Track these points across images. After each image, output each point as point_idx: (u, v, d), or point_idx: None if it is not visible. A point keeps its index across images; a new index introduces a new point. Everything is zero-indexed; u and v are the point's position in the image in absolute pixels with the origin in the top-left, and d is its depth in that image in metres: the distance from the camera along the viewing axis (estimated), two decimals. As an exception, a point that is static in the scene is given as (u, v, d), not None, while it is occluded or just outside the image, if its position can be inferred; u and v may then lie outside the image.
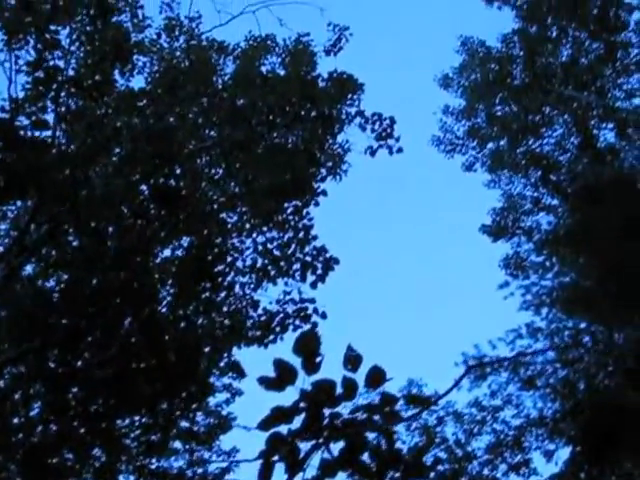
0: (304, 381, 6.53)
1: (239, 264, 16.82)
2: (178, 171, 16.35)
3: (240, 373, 15.91)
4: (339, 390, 6.50)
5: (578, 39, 26.05)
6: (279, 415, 6.49)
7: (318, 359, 6.50)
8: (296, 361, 6.48)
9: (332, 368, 6.50)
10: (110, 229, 15.23)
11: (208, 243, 16.15)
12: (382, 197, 40.36)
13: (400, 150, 16.66)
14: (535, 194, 25.65)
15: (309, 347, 6.49)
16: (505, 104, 26.16)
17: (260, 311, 16.43)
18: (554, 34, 26.27)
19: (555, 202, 25.51)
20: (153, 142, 15.79)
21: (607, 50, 25.86)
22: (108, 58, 17.07)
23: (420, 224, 40.94)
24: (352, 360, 6.45)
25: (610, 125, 25.68)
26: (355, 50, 18.81)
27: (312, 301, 15.95)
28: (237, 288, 16.73)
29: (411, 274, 40.70)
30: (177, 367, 15.30)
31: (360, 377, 6.52)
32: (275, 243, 16.69)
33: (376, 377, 6.53)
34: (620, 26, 26.03)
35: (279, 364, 6.48)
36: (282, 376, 6.49)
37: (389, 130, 16.54)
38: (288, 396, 6.49)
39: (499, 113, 26.36)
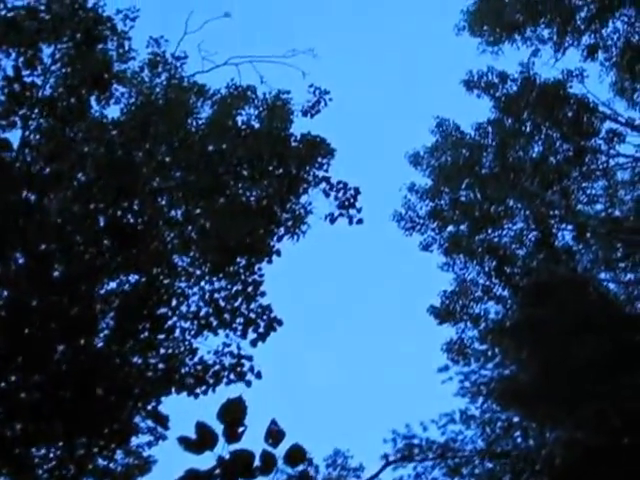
0: (224, 447, 6.44)
1: (183, 309, 16.67)
2: (137, 207, 16.23)
3: (162, 423, 15.60)
4: (257, 463, 6.40)
5: (550, 138, 26.58)
6: (193, 478, 6.37)
7: (241, 429, 6.40)
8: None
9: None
10: (58, 254, 15.02)
11: (155, 283, 15.99)
12: (336, 264, 40.45)
13: (360, 221, 16.76)
14: (487, 283, 25.86)
15: (233, 415, 6.38)
16: (470, 190, 26.50)
17: (196, 359, 16.23)
18: (528, 129, 26.82)
19: (505, 293, 25.75)
20: (117, 174, 15.70)
21: (576, 153, 26.44)
22: (87, 83, 17.02)
23: (368, 296, 41.04)
24: (274, 435, 6.35)
25: (569, 227, 26.13)
26: (333, 114, 19.02)
27: (249, 359, 15.83)
28: (177, 332, 16.53)
29: (352, 342, 40.62)
30: (103, 403, 15.04)
31: (281, 452, 6.44)
32: (222, 294, 16.58)
33: (296, 455, 6.43)
34: (591, 132, 26.69)
35: (200, 427, 6.36)
36: (202, 439, 6.37)
37: (352, 200, 16.65)
38: (207, 459, 6.40)
39: (463, 198, 26.69)
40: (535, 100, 26.12)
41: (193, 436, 6.45)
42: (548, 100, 26.02)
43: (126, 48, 18.29)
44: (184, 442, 6.33)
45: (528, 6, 25.94)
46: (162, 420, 14.93)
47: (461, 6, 27.09)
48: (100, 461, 17.35)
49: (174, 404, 16.16)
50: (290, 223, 17.49)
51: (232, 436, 6.36)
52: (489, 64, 27.06)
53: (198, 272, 16.71)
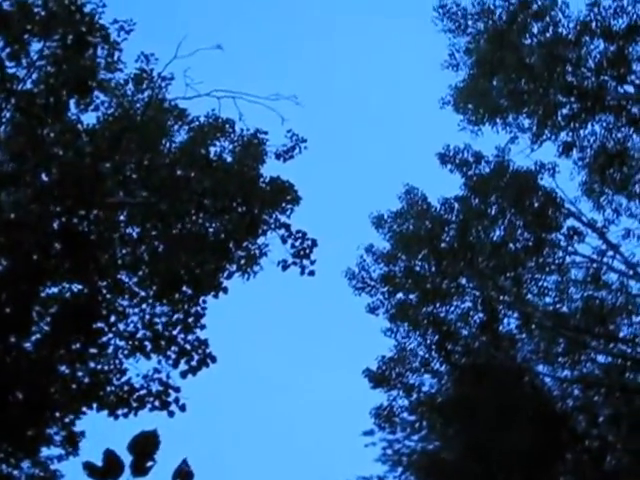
0: None
1: (120, 326, 16.49)
2: (94, 217, 16.11)
3: (72, 442, 15.31)
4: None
5: (513, 225, 26.93)
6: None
7: (150, 463, 6.32)
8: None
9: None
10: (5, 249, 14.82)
11: (97, 296, 15.83)
12: (281, 309, 40.37)
13: (312, 273, 16.78)
14: (426, 355, 25.96)
15: (145, 448, 6.30)
16: (426, 262, 26.69)
17: (124, 380, 16.02)
18: (493, 212, 27.16)
19: (443, 369, 25.85)
20: (80, 181, 15.58)
21: (535, 244, 26.78)
22: (69, 85, 16.94)
23: (307, 348, 40.99)
24: (183, 475, 6.29)
25: (516, 314, 26.38)
26: (307, 161, 19.12)
27: (177, 390, 15.66)
28: (110, 349, 16.33)
29: (280, 394, 40.43)
30: (21, 407, 14.75)
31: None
32: (162, 319, 16.44)
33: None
34: (553, 226, 27.10)
35: (108, 455, 6.28)
36: (107, 468, 6.29)
37: (308, 251, 16.68)
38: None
39: (418, 268, 26.87)
40: (505, 185, 26.54)
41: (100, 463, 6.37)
42: (517, 188, 26.42)
43: (115, 58, 18.23)
44: (88, 468, 6.24)
45: (514, 94, 26.41)
46: (73, 439, 14.67)
47: (450, 80, 27.62)
48: (4, 467, 16.96)
49: (101, 421, 15.92)
50: (243, 262, 17.44)
51: (139, 469, 6.27)
52: (467, 142, 27.51)
53: (143, 293, 16.57)
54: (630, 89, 26.18)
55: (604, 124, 26.72)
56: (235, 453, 35.36)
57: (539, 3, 26.42)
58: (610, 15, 25.83)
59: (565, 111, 26.78)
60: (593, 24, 25.94)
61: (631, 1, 25.43)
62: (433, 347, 25.59)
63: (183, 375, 15.73)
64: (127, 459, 6.32)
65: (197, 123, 18.64)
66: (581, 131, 26.91)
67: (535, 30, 26.66)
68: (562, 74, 26.29)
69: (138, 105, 18.61)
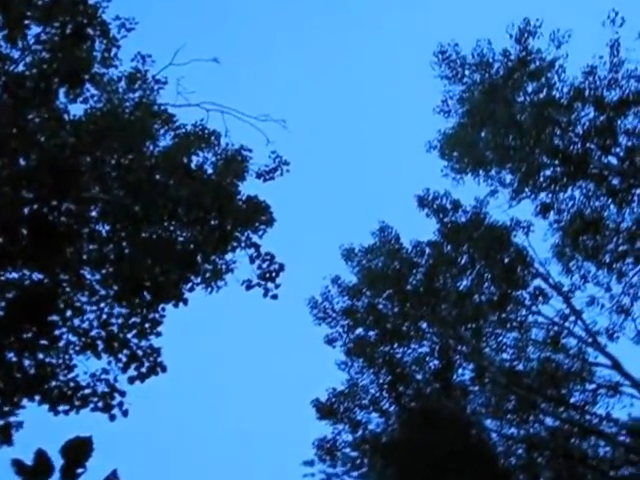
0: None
1: (75, 322, 16.30)
2: (66, 208, 15.97)
3: (5, 437, 15.04)
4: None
5: (481, 277, 27.09)
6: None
7: (80, 470, 6.24)
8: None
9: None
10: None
11: (57, 288, 15.67)
12: (240, 327, 40.24)
13: (275, 297, 16.69)
14: (377, 394, 25.97)
15: (77, 454, 6.22)
16: (390, 301, 26.76)
17: (70, 376, 15.82)
18: (463, 261, 27.30)
19: (391, 409, 25.84)
20: (58, 171, 15.46)
21: (500, 299, 26.94)
22: (61, 74, 16.85)
23: (261, 369, 40.87)
24: (109, 485, 6.21)
25: (471, 366, 26.44)
26: (287, 185, 19.09)
27: (122, 394, 15.49)
28: (61, 343, 16.13)
29: (228, 410, 40.21)
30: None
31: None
32: (119, 321, 16.29)
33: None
34: (520, 284, 27.27)
35: (39, 455, 6.19)
36: (37, 468, 6.19)
37: (274, 274, 16.61)
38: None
39: (381, 306, 26.93)
40: (478, 237, 26.71)
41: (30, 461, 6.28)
42: (490, 241, 26.60)
43: (112, 54, 18.17)
44: (17, 466, 6.15)
45: (500, 148, 26.66)
46: (7, 430, 14.45)
47: (440, 125, 27.85)
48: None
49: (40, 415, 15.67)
50: (208, 275, 17.34)
51: (69, 475, 6.19)
52: (447, 188, 27.72)
53: (103, 292, 16.40)
54: (614, 160, 26.53)
55: (584, 191, 27.03)
56: (173, 466, 35.01)
57: (537, 64, 26.79)
58: (604, 86, 26.22)
59: (548, 172, 27.07)
60: (587, 92, 26.31)
61: (625, 75, 25.85)
62: (385, 387, 25.60)
63: (131, 381, 15.55)
64: (58, 461, 6.24)
65: (183, 130, 18.55)
66: (561, 194, 27.21)
67: (529, 89, 27.00)
68: (550, 136, 26.59)
69: (127, 104, 18.51)
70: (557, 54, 26.54)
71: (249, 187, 17.95)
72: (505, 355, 26.94)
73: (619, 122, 26.30)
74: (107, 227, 16.82)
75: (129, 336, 16.13)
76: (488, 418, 26.91)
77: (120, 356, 15.88)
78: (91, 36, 17.16)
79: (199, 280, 17.12)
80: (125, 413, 15.28)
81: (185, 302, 16.28)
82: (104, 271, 16.69)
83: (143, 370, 15.65)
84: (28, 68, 16.93)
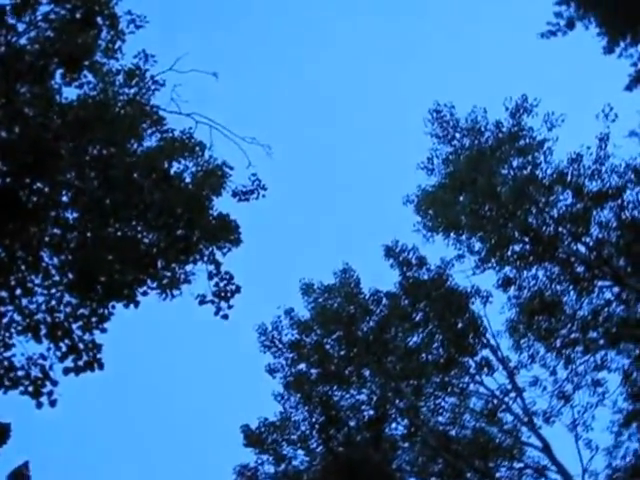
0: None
1: (24, 301, 16.14)
2: (37, 188, 15.89)
3: None
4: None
5: (432, 336, 27.28)
6: None
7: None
8: None
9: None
10: None
11: (11, 265, 15.54)
12: (186, 339, 40.08)
13: (225, 317, 16.68)
14: (307, 432, 25.93)
15: None
16: (337, 343, 26.88)
17: (6, 354, 15.64)
18: (417, 318, 27.51)
19: (318, 450, 25.80)
20: (37, 150, 15.42)
21: (446, 362, 27.12)
22: (62, 55, 16.82)
23: (199, 384, 40.65)
24: (18, 477, 6.19)
25: (405, 422, 26.51)
26: (262, 209, 19.16)
27: (54, 383, 15.30)
28: (4, 320, 15.95)
29: (157, 418, 39.90)
30: None
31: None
32: (67, 309, 16.13)
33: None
34: (469, 351, 27.48)
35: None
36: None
37: (229, 295, 16.61)
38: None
39: (328, 346, 27.04)
40: (436, 297, 26.93)
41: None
42: (447, 304, 26.83)
43: (116, 46, 18.18)
44: None
45: (475, 215, 26.99)
46: None
47: (421, 180, 28.15)
48: None
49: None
50: (165, 282, 17.28)
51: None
52: (416, 243, 27.98)
53: (57, 278, 16.26)
54: (582, 249, 26.94)
55: (548, 273, 27.41)
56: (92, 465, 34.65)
57: (526, 141, 27.25)
58: (587, 175, 26.72)
59: (517, 248, 27.43)
60: (569, 177, 26.80)
61: (608, 169, 26.38)
62: (316, 426, 25.55)
63: (65, 372, 15.37)
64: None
65: (170, 135, 18.57)
66: (525, 271, 27.54)
67: (515, 163, 27.46)
68: (525, 213, 26.98)
69: (121, 98, 18.51)
70: (548, 135, 27.08)
71: (223, 204, 17.99)
72: (441, 418, 27.04)
73: (594, 213, 26.75)
74: (75, 215, 16.74)
75: (74, 327, 15.98)
76: (412, 477, 26.95)
77: (61, 344, 15.71)
78: (99, 25, 17.18)
79: (155, 285, 17.04)
80: (53, 403, 15.07)
81: (136, 304, 16.19)
82: (63, 257, 16.57)
83: (80, 363, 15.47)
84: (30, 43, 16.89)
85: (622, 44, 26.08)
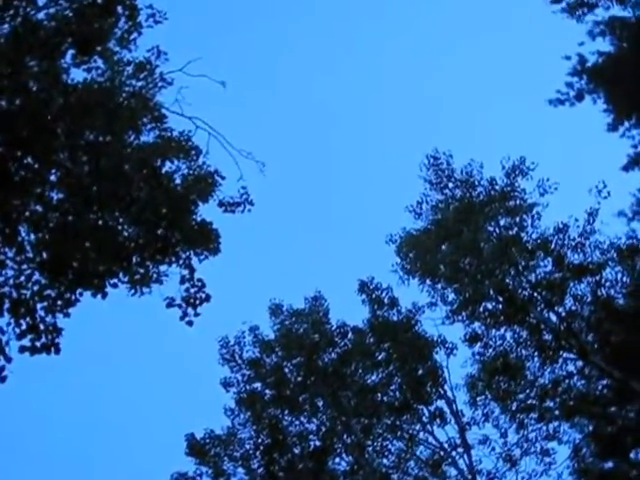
0: None
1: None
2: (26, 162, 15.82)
3: None
4: None
5: (391, 378, 27.30)
6: None
7: None
8: None
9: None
10: None
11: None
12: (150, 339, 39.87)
13: (190, 324, 16.57)
14: (251, 452, 25.91)
15: None
16: (297, 370, 26.84)
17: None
18: (380, 357, 27.50)
19: (259, 472, 25.73)
20: (34, 125, 15.39)
21: (402, 405, 27.14)
22: (77, 36, 16.80)
23: (152, 385, 40.40)
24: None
25: (349, 458, 26.41)
26: (246, 223, 19.13)
27: (9, 359, 15.03)
28: None
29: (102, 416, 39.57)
30: None
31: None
32: (34, 288, 15.94)
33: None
34: (425, 399, 27.49)
35: None
36: None
37: (198, 302, 16.51)
38: None
39: (287, 370, 27.00)
40: (402, 340, 26.95)
41: None
42: (412, 348, 26.86)
43: (131, 37, 18.18)
44: None
45: (454, 267, 27.09)
46: None
47: (406, 222, 28.25)
48: None
49: None
50: (137, 278, 17.17)
51: None
52: (391, 283, 28.04)
53: (30, 255, 16.12)
54: (553, 318, 27.06)
55: (516, 335, 27.48)
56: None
57: (517, 202, 27.47)
58: (570, 246, 26.92)
59: (489, 306, 27.52)
60: (552, 245, 27.00)
61: (592, 245, 26.61)
62: (261, 448, 25.42)
63: (21, 350, 15.20)
64: None
65: (168, 134, 18.54)
66: (493, 330, 27.61)
67: (502, 222, 27.62)
68: (504, 273, 27.10)
69: (127, 89, 18.48)
70: (538, 200, 27.30)
71: (208, 211, 17.94)
72: (385, 460, 27.02)
73: (571, 284, 26.92)
74: (60, 195, 16.64)
75: (38, 306, 15.83)
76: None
77: (21, 322, 15.55)
78: (118, 14, 17.20)
79: (126, 279, 16.93)
80: (3, 379, 14.92)
81: (104, 295, 16.06)
82: (40, 235, 16.45)
83: (37, 344, 15.31)
84: (47, 19, 16.88)
85: (626, 124, 26.37)
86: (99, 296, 16.04)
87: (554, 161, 35.47)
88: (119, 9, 17.23)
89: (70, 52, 17.02)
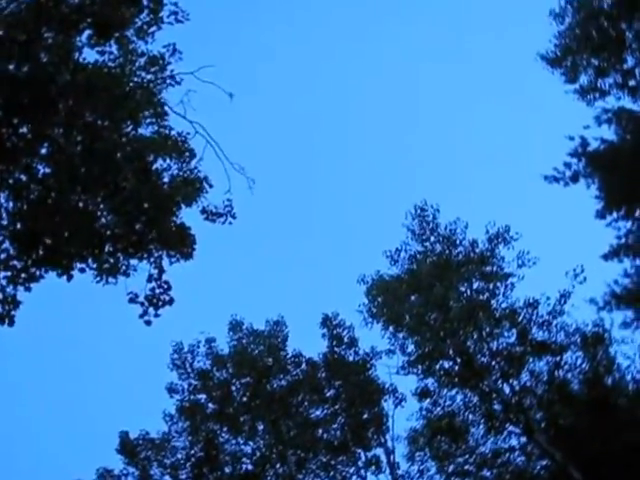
0: None
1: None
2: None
3: None
4: None
5: (335, 416, 27.21)
6: None
7: None
8: None
9: None
10: None
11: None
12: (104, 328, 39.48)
13: (148, 323, 16.43)
14: (182, 461, 25.69)
15: None
16: (245, 389, 26.71)
17: None
18: (328, 394, 27.41)
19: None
20: (38, 96, 15.35)
21: (340, 445, 27.04)
22: (97, 17, 16.80)
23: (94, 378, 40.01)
24: None
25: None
26: (224, 235, 19.06)
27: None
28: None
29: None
30: None
31: None
32: (2, 255, 15.82)
33: None
34: (365, 444, 27.39)
35: None
36: None
37: (160, 304, 16.38)
38: None
39: (234, 388, 26.90)
40: (353, 382, 26.90)
41: None
42: (361, 391, 26.85)
43: (150, 30, 18.18)
44: None
45: (420, 320, 27.15)
46: None
47: (381, 266, 28.29)
48: None
49: None
50: (106, 266, 17.04)
51: None
52: (355, 323, 28.05)
53: (5, 222, 15.97)
54: (507, 389, 27.12)
55: (466, 399, 27.52)
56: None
57: (493, 268, 27.65)
58: (537, 322, 27.13)
59: (446, 365, 27.55)
60: (519, 318, 27.17)
61: (558, 326, 26.80)
62: (192, 460, 25.18)
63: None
64: None
65: (166, 132, 18.50)
66: (445, 390, 27.62)
67: (475, 285, 27.78)
68: (467, 335, 27.20)
69: (135, 79, 18.45)
70: (515, 271, 27.44)
71: (188, 216, 17.85)
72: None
73: (530, 360, 27.02)
74: (47, 170, 16.54)
75: (1, 274, 15.69)
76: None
77: (-17, 292, 15.40)
78: (143, 5, 17.23)
79: (95, 266, 16.80)
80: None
81: (70, 277, 15.92)
82: (19, 205, 16.32)
83: (-7, 317, 15.17)
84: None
85: (615, 214, 26.58)
86: (64, 278, 15.91)
87: (538, 235, 35.74)
88: (144, 0, 17.26)
89: (87, 32, 17.01)
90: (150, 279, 16.74)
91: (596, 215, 26.99)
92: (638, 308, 23.41)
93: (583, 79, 24.03)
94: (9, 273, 15.78)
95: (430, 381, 27.42)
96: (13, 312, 15.45)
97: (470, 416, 27.32)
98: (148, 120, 18.37)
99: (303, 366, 27.02)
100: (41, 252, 15.73)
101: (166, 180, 17.87)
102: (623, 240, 26.16)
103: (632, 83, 23.47)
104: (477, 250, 27.60)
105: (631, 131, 23.99)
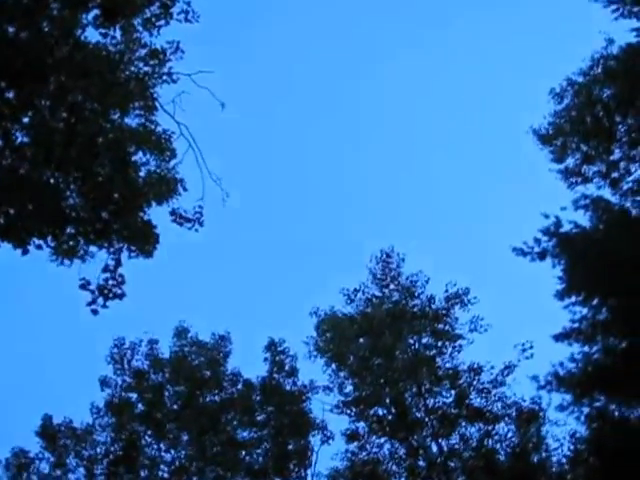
0: None
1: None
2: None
3: None
4: None
5: (259, 442, 26.98)
6: None
7: None
8: None
9: None
10: None
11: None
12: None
13: (95, 312, 16.19)
14: (100, 457, 25.39)
15: None
16: (176, 397, 26.40)
17: None
18: (258, 417, 27.24)
19: (100, 478, 25.18)
20: (32, 65, 15.20)
21: (259, 470, 26.80)
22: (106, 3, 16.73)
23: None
24: None
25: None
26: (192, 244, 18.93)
27: None
28: None
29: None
30: None
31: None
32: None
33: None
34: (285, 475, 27.20)
35: None
36: None
37: (111, 296, 16.19)
38: None
39: (167, 393, 26.64)
40: (287, 411, 26.78)
41: None
42: (291, 423, 26.73)
43: (157, 24, 18.14)
44: None
45: (363, 365, 27.21)
46: None
47: (336, 303, 28.32)
48: None
49: None
50: (63, 247, 16.84)
51: None
52: (300, 353, 28.00)
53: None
54: (434, 448, 27.13)
55: (393, 450, 27.48)
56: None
57: (445, 327, 27.71)
58: (477, 389, 27.23)
59: (380, 412, 27.53)
60: (460, 381, 27.27)
61: (496, 395, 26.90)
62: (110, 457, 24.89)
63: None
64: None
65: (152, 127, 18.41)
66: (374, 437, 27.60)
67: (424, 340, 27.88)
68: (406, 387, 27.23)
69: (132, 69, 18.38)
70: (465, 334, 27.56)
71: (158, 215, 17.72)
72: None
73: (463, 424, 27.06)
74: (25, 140, 16.36)
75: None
76: None
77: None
78: (154, -2, 17.19)
79: (53, 245, 16.60)
80: None
81: (25, 252, 15.68)
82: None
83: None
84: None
85: (574, 298, 26.77)
86: (19, 251, 15.67)
87: (495, 302, 35.83)
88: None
89: (94, 12, 16.93)
90: (106, 269, 16.57)
91: (555, 295, 27.18)
92: (577, 394, 23.53)
93: (569, 161, 24.27)
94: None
95: (361, 425, 27.38)
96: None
97: (394, 467, 27.24)
98: (137, 112, 18.29)
99: (239, 386, 26.82)
100: (1, 221, 15.50)
101: (142, 174, 17.78)
102: (576, 325, 26.34)
103: (615, 175, 23.76)
104: (433, 306, 27.71)
105: (605, 221, 24.24)
